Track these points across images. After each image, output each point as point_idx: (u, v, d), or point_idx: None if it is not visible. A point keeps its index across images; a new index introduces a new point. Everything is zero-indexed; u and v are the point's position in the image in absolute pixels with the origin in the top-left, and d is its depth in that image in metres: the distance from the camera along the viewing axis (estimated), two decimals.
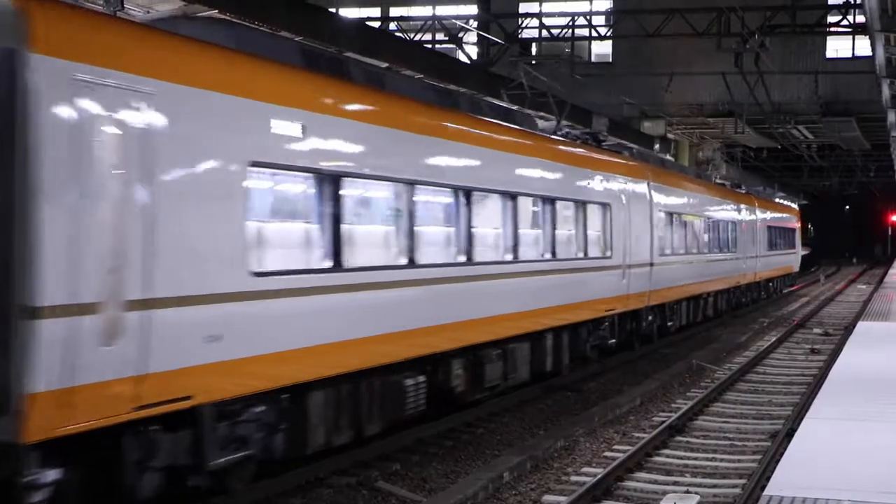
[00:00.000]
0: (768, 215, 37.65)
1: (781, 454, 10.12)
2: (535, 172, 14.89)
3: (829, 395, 13.01)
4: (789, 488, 8.39)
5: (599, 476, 10.65)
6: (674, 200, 23.13)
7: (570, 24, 29.85)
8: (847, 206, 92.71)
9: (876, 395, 12.82)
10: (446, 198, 12.57)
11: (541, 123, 18.73)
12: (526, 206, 14.63)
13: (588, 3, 36.36)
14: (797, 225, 47.67)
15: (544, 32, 30.42)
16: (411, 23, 31.08)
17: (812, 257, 77.09)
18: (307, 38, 16.90)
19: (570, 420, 14.00)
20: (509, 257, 13.94)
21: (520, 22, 30.43)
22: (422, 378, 11.74)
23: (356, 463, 11.08)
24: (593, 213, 17.31)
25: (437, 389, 12.44)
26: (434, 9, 35.04)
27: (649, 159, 23.21)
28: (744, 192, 34.99)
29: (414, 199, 11.41)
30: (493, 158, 13.61)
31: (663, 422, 13.80)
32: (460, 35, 30.01)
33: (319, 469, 10.63)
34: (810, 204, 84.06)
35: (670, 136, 37.73)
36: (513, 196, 13.96)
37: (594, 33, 30.75)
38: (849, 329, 24.27)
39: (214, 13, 14.01)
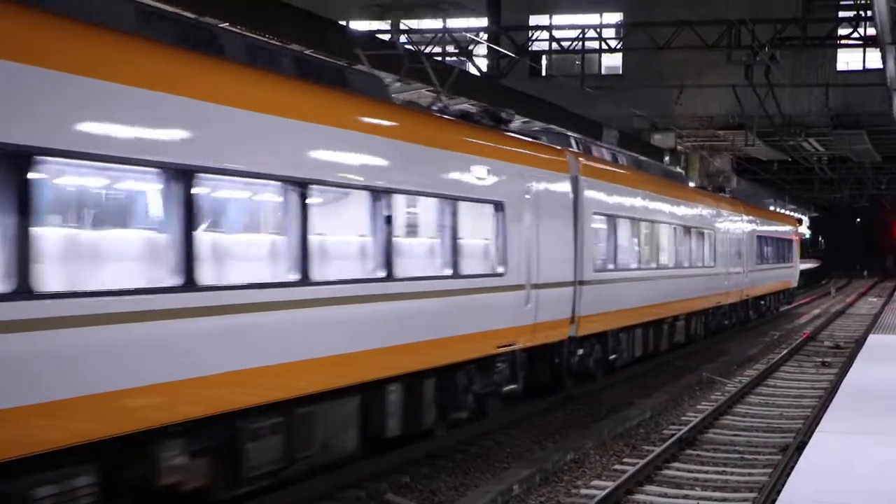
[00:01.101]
0: (759, 224, 33.47)
1: (792, 467, 10.08)
2: (362, 155, 10.19)
3: (840, 408, 12.95)
4: (800, 502, 8.35)
5: (609, 489, 10.60)
6: (619, 201, 18.25)
7: (581, 36, 29.90)
8: (858, 219, 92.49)
9: (887, 408, 12.76)
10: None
11: (417, 96, 15.48)
12: (343, 202, 10.29)
13: (598, 15, 36.40)
14: (795, 236, 43.59)
15: (554, 45, 30.47)
16: (421, 35, 31.15)
17: (823, 270, 76.93)
18: (316, 51, 16.96)
19: (580, 433, 13.96)
20: (292, 277, 9.19)
21: (530, 34, 30.48)
22: None
23: (365, 476, 11.06)
24: (473, 214, 12.58)
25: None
26: (444, 21, 35.11)
27: (582, 146, 18.20)
28: (727, 196, 30.70)
29: None
30: (259, 127, 8.81)
31: (673, 434, 13.75)
32: (470, 48, 30.06)
33: (327, 482, 10.61)
34: (821, 216, 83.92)
35: (680, 148, 37.71)
36: (302, 184, 9.20)
37: (604, 46, 30.79)
38: (860, 342, 24.18)
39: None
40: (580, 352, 16.35)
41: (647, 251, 20.19)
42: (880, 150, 41.44)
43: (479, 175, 12.65)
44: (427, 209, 11.79)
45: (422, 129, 11.70)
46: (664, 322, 21.64)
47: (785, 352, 23.89)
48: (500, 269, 13.14)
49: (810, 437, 11.77)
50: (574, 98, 29.89)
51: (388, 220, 10.52)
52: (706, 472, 12.25)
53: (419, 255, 11.56)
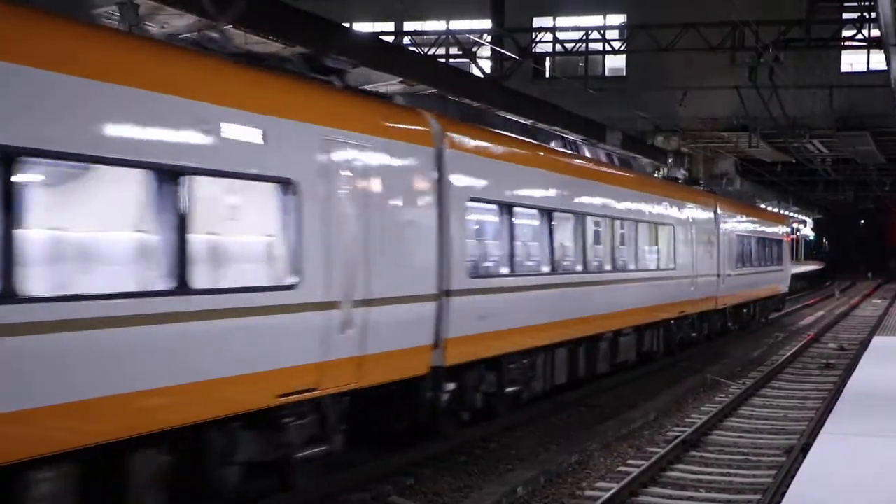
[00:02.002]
0: (741, 222, 29.21)
1: (797, 469, 10.07)
2: None
3: (845, 410, 12.94)
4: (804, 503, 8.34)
5: (613, 491, 10.60)
6: (517, 186, 14.06)
7: (584, 38, 29.89)
8: (862, 221, 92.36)
9: (892, 410, 12.75)
10: None
11: None
12: None
13: (602, 17, 36.39)
14: (786, 236, 39.02)
15: (558, 47, 30.47)
16: (425, 37, 31.16)
17: (827, 272, 76.81)
18: (320, 53, 16.94)
19: (584, 435, 13.95)
20: None
21: (533, 36, 30.48)
22: None
23: (369, 477, 11.05)
24: (233, 197, 8.84)
25: None
26: (448, 23, 35.12)
27: (460, 112, 14.16)
28: (700, 189, 26.69)
29: None
30: None
31: (677, 436, 13.74)
32: (474, 49, 30.07)
33: (332, 484, 10.61)
34: (825, 218, 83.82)
35: (684, 150, 37.68)
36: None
37: (608, 47, 30.78)
38: (864, 344, 24.15)
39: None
40: (450, 386, 12.10)
41: (566, 251, 15.75)
42: (884, 151, 41.37)
43: (240, 137, 8.52)
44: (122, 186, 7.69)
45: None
46: (601, 339, 17.41)
47: (789, 354, 23.87)
48: (291, 280, 9.08)
49: (815, 439, 11.76)
50: (577, 100, 29.87)
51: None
52: (710, 473, 12.25)
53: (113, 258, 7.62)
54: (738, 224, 28.70)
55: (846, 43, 29.28)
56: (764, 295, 33.26)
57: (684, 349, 23.55)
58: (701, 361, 22.94)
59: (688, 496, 11.16)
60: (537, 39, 30.51)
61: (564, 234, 15.78)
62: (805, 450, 11.46)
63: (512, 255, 13.51)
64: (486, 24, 32.25)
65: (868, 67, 35.25)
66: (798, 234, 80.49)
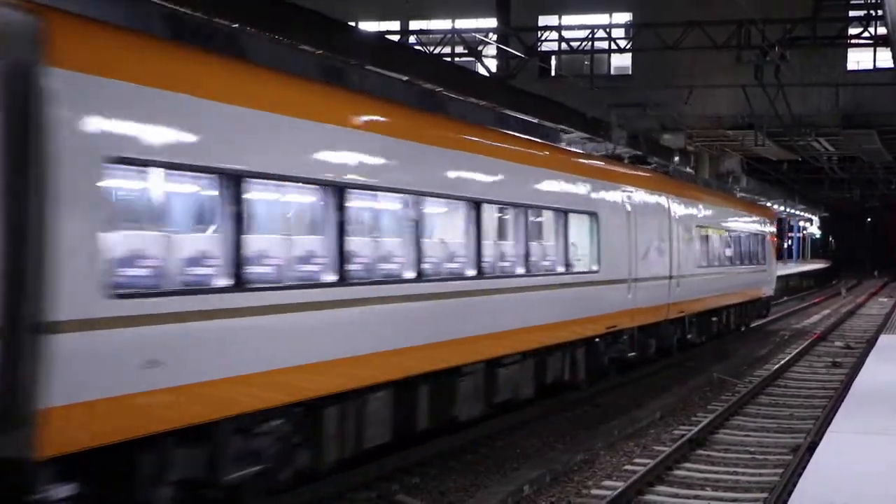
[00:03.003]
0: (706, 213, 24.03)
1: (803, 468, 10.05)
2: None
3: (852, 408, 12.91)
4: (811, 502, 8.32)
5: (620, 489, 10.59)
6: (213, 131, 8.29)
7: (590, 36, 29.87)
8: (868, 219, 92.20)
9: None
10: None
11: None
12: None
13: (607, 15, 36.35)
14: (770, 230, 33.16)
15: (563, 45, 30.44)
16: (431, 36, 31.15)
17: (833, 270, 76.67)
18: (326, 52, 16.96)
19: (590, 433, 13.94)
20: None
21: (539, 35, 30.46)
22: None
23: (376, 476, 11.05)
24: None
25: None
26: (453, 22, 35.12)
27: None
28: (648, 169, 21.36)
29: None
30: None
31: (684, 435, 13.72)
32: (480, 48, 30.06)
33: (338, 483, 10.61)
34: (831, 216, 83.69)
35: (690, 148, 37.64)
36: None
37: (613, 46, 30.75)
38: (871, 342, 24.10)
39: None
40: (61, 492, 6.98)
41: (373, 249, 10.64)
42: (890, 149, 41.30)
43: None
44: None
45: None
46: (464, 372, 12.17)
47: (795, 352, 23.84)
48: None
49: (821, 437, 11.73)
50: (583, 98, 29.84)
51: None
52: (717, 472, 12.23)
53: None
54: (703, 215, 23.66)
55: (852, 41, 29.20)
56: (741, 300, 27.82)
57: (630, 369, 19.24)
58: (707, 360, 22.91)
59: (694, 495, 11.15)
60: (543, 38, 30.49)
61: (372, 223, 10.97)
62: (812, 448, 11.43)
63: (238, 256, 8.34)
64: (492, 22, 32.22)
65: (874, 65, 35.18)
66: (804, 232, 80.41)
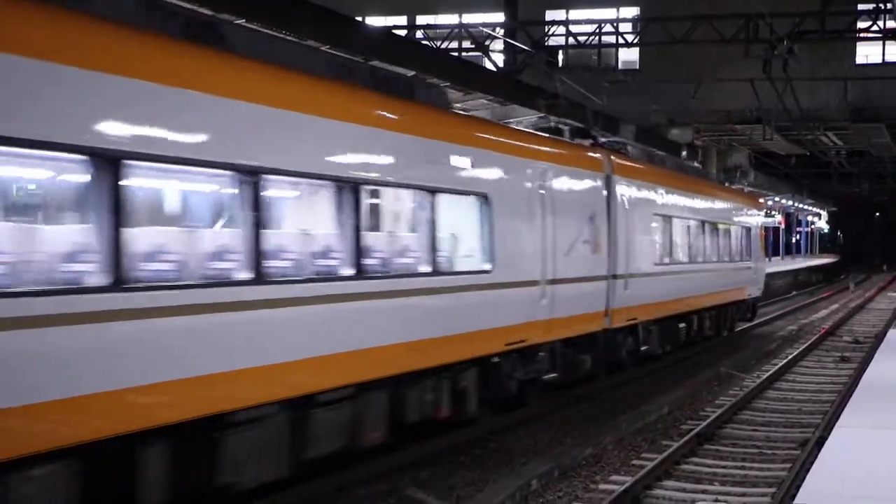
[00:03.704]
0: (666, 198, 20.10)
1: (812, 463, 10.03)
2: None
3: (861, 403, 12.88)
4: (820, 497, 8.31)
5: (628, 484, 10.59)
6: None
7: (597, 31, 29.82)
8: (877, 214, 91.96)
9: None
10: None
11: None
12: None
13: (615, 9, 36.29)
14: (757, 221, 29.23)
15: (571, 40, 30.41)
16: (438, 31, 31.13)
17: (842, 265, 76.48)
18: (333, 48, 16.95)
19: (598, 428, 13.94)
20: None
21: (546, 29, 30.42)
22: None
23: (385, 471, 11.07)
24: None
25: None
26: (460, 16, 35.10)
27: None
28: (587, 145, 17.30)
29: None
30: None
31: (692, 430, 13.71)
32: (487, 43, 30.03)
33: (347, 477, 10.63)
34: (839, 211, 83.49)
35: (698, 143, 37.57)
36: None
37: (621, 40, 30.70)
38: (879, 337, 24.05)
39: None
40: None
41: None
42: None
43: None
44: None
45: None
46: (237, 423, 8.64)
47: (804, 347, 23.79)
48: None
49: (830, 432, 11.70)
50: (591, 92, 29.79)
51: None
52: (725, 467, 12.22)
53: None
54: (666, 202, 19.92)
55: (861, 35, 29.09)
56: (719, 302, 24.22)
57: (555, 391, 15.75)
58: (715, 355, 22.89)
59: (702, 489, 11.14)
60: (550, 32, 30.45)
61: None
62: (820, 443, 11.41)
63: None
64: (499, 17, 32.20)
65: (883, 59, 35.10)
66: (812, 226, 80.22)
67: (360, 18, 24.50)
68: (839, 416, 12.64)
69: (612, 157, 17.35)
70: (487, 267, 12.59)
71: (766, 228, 64.46)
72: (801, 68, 28.93)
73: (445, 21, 33.97)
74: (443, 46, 29.05)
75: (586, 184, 16.04)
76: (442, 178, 11.70)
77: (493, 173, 12.87)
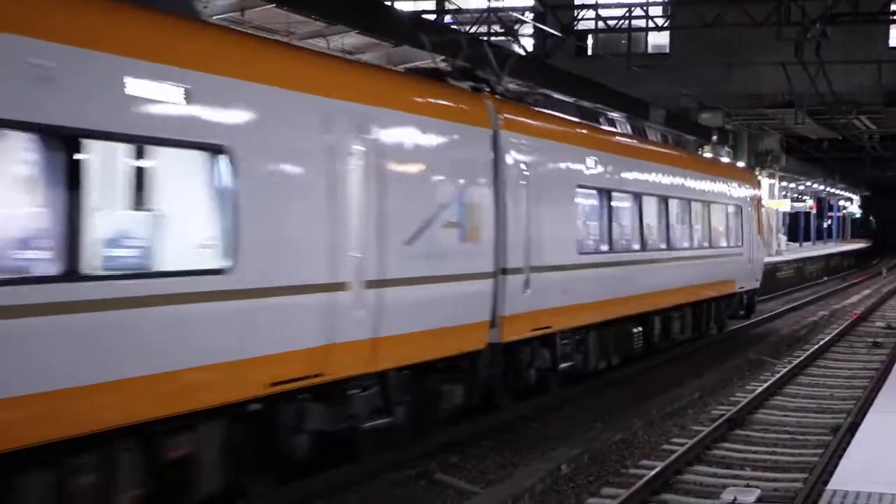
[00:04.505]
0: (604, 167, 15.54)
1: (844, 448, 10.00)
2: None
3: (893, 389, 12.80)
4: (853, 482, 8.28)
5: (658, 469, 10.58)
6: None
7: (627, 14, 29.65)
8: None
9: None
10: None
11: None
12: None
13: None
14: (750, 198, 24.17)
15: (601, 24, 30.24)
16: (467, 15, 31.05)
17: (874, 250, 75.79)
18: (362, 32, 16.97)
19: (628, 413, 13.92)
20: None
21: (576, 13, 30.27)
22: None
23: (414, 455, 11.12)
24: None
25: None
26: (489, 1, 34.97)
27: None
28: (466, 88, 12.71)
29: None
30: None
31: (722, 415, 13.67)
32: (516, 27, 29.94)
33: (376, 462, 10.68)
34: (872, 195, 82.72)
35: (728, 127, 37.33)
36: None
37: (651, 24, 30.50)
38: None
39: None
40: None
41: None
42: None
43: None
44: None
45: None
46: None
47: (835, 332, 23.64)
48: None
49: (862, 417, 11.65)
50: (620, 77, 29.66)
51: None
52: (756, 452, 12.19)
53: None
54: (595, 170, 15.14)
55: (895, 17, 28.76)
56: (693, 298, 19.66)
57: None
58: (746, 340, 22.79)
59: (733, 474, 11.11)
60: (580, 16, 30.31)
61: None
62: (853, 429, 11.36)
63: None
64: (529, 1, 32.09)
65: None
66: (844, 211, 79.53)
67: (389, 3, 24.50)
68: (872, 401, 12.59)
69: (503, 107, 12.56)
70: (225, 264, 7.98)
71: (797, 213, 63.88)
72: (833, 51, 28.65)
73: (474, 6, 33.86)
74: (471, 31, 28.98)
75: (452, 142, 11.26)
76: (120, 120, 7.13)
77: (240, 115, 8.31)
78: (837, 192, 67.49)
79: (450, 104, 11.68)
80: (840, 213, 79.34)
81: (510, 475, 10.63)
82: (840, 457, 9.75)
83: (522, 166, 12.76)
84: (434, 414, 11.49)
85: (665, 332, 18.56)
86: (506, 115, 12.56)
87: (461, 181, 11.41)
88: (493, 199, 12.04)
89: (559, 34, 28.38)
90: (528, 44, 30.84)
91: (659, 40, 37.16)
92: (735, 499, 9.69)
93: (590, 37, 35.20)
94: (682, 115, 32.46)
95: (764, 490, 10.18)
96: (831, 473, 9.00)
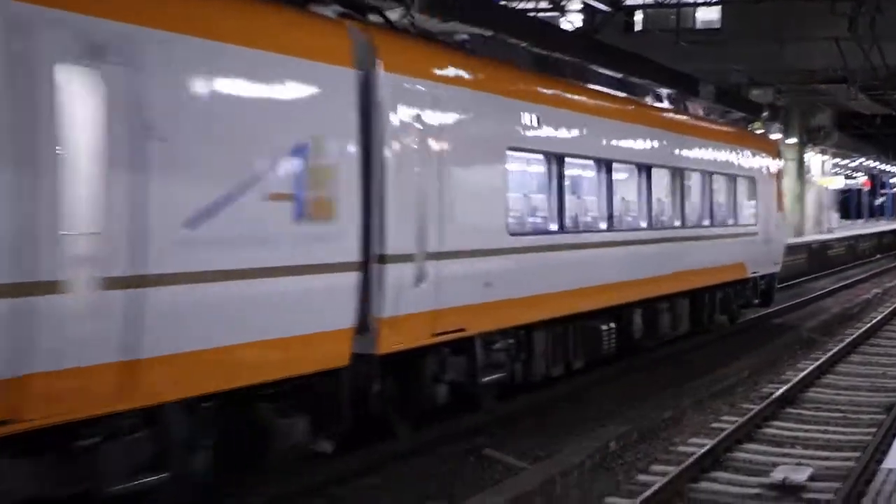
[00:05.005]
0: (546, 126, 12.22)
1: None
2: None
3: None
4: None
5: (709, 446, 10.51)
6: None
7: None
8: None
9: None
10: None
11: None
12: None
13: None
14: (767, 168, 20.88)
15: None
16: None
17: None
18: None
19: (677, 391, 13.84)
20: None
21: None
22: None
23: (463, 430, 11.15)
24: None
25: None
26: None
27: None
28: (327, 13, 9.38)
29: None
30: None
31: (772, 393, 13.55)
32: (563, 3, 29.72)
33: (428, 436, 10.73)
34: None
35: (780, 103, 36.85)
36: None
37: None
38: None
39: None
40: None
41: None
42: None
43: None
44: None
45: None
46: None
47: (888, 310, 23.31)
48: None
49: None
50: (669, 53, 29.34)
51: None
52: (807, 430, 12.08)
53: None
54: (538, 130, 12.07)
55: None
56: (686, 286, 16.72)
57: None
58: (797, 319, 22.55)
59: (784, 452, 11.03)
60: None
61: None
62: None
63: None
64: None
65: None
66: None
67: None
68: None
69: (387, 43, 9.65)
70: None
71: (849, 191, 62.84)
72: (888, 26, 28.13)
73: None
74: (519, 7, 28.83)
75: (279, 83, 8.17)
76: None
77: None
78: (891, 168, 66.42)
79: (276, 31, 8.26)
80: (894, 191, 78.12)
81: (558, 451, 10.62)
82: (895, 435, 9.63)
83: (417, 120, 9.73)
84: (261, 458, 8.30)
85: (649, 328, 15.62)
86: (390, 54, 9.53)
87: (296, 137, 8.14)
88: (360, 163, 8.87)
89: (608, 9, 28.17)
90: (577, 19, 30.59)
91: (708, 15, 36.70)
92: (786, 477, 9.61)
93: (638, 12, 34.85)
94: (733, 91, 32.05)
95: (816, 469, 10.09)
96: (885, 452, 8.90)
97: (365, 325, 9.02)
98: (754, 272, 19.97)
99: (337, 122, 8.74)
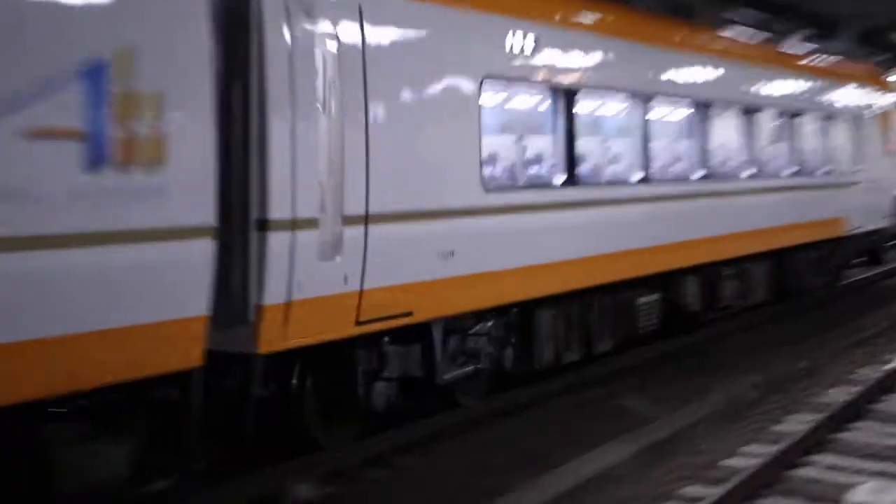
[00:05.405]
0: (563, 52, 9.88)
1: None
2: None
3: None
4: None
5: (852, 397, 10.28)
6: None
7: None
8: None
9: None
10: None
11: None
12: None
13: None
14: (871, 108, 18.05)
15: None
16: None
17: None
18: None
19: (813, 341, 13.56)
20: None
21: None
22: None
23: (596, 378, 11.19)
24: None
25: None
26: None
27: None
28: None
29: None
30: None
31: None
32: None
33: (559, 382, 10.82)
34: None
35: None
36: None
37: None
38: None
39: None
40: None
41: None
42: None
43: None
44: None
45: None
46: None
47: None
48: None
49: None
50: None
51: None
52: None
53: None
54: (517, 47, 9.31)
55: None
56: (753, 248, 13.94)
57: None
58: None
59: None
60: None
61: None
62: None
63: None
64: None
65: None
66: None
67: None
68: None
69: None
70: None
71: None
72: None
73: None
74: None
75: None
76: None
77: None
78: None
79: None
80: None
81: (694, 399, 10.56)
82: None
83: (327, 35, 7.34)
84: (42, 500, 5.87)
85: (709, 299, 13.32)
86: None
87: (83, 49, 5.62)
88: (213, 90, 6.35)
89: None
90: None
91: None
92: None
93: None
94: (875, 34, 30.79)
95: None
96: None
97: (237, 314, 6.82)
98: (857, 227, 17.02)
99: (168, 31, 6.09)
